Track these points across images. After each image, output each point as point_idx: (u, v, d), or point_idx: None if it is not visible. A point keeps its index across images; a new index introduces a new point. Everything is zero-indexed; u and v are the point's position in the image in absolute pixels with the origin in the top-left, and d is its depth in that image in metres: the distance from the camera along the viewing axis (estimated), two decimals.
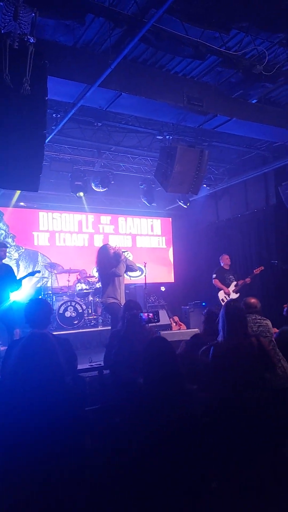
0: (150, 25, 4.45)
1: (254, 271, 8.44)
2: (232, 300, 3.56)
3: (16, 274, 6.60)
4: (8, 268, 6.47)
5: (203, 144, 8.40)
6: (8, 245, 9.04)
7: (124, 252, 6.54)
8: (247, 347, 3.25)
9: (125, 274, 6.60)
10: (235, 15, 4.88)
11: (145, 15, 4.66)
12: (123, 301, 6.30)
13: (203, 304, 10.00)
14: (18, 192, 9.58)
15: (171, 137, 7.95)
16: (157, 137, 8.33)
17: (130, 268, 6.60)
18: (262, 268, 8.43)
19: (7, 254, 7.53)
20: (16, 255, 10.21)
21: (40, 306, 3.72)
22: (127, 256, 6.61)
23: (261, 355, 3.30)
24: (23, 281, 6.37)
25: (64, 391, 2.27)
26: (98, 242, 10.98)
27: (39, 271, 7.45)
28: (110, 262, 6.36)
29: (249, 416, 2.97)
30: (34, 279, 9.42)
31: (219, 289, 8.59)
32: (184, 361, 3.05)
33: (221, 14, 4.85)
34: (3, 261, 6.47)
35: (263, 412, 3.05)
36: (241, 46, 5.35)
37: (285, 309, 4.71)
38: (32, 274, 6.71)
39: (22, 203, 10.35)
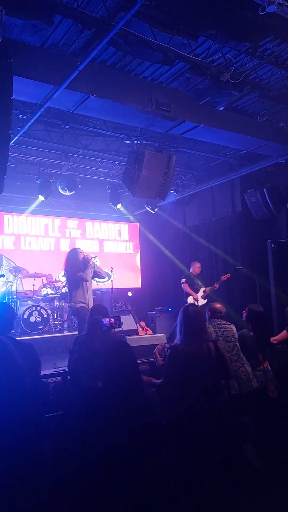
0: (118, 28, 4.42)
1: (222, 277, 8.53)
2: (190, 304, 3.56)
3: None
4: None
5: (171, 150, 8.45)
6: None
7: (93, 257, 6.48)
8: (203, 353, 3.24)
9: (92, 279, 6.53)
10: (203, 22, 4.95)
11: (113, 18, 4.65)
12: (91, 306, 6.21)
13: (169, 309, 10.03)
14: None
15: (139, 142, 7.95)
16: (125, 141, 8.32)
17: (97, 274, 6.53)
18: (229, 275, 8.55)
19: None
20: None
21: (2, 310, 3.62)
22: (95, 262, 6.55)
23: (219, 361, 3.30)
24: None
25: (25, 396, 2.20)
26: (65, 247, 10.84)
27: (3, 276, 7.26)
28: (78, 266, 6.27)
29: (206, 422, 2.98)
30: None
31: (188, 294, 8.64)
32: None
33: (189, 21, 4.91)
34: None
35: (220, 419, 3.06)
36: (209, 53, 5.43)
37: (244, 315, 4.80)
38: None
39: None
